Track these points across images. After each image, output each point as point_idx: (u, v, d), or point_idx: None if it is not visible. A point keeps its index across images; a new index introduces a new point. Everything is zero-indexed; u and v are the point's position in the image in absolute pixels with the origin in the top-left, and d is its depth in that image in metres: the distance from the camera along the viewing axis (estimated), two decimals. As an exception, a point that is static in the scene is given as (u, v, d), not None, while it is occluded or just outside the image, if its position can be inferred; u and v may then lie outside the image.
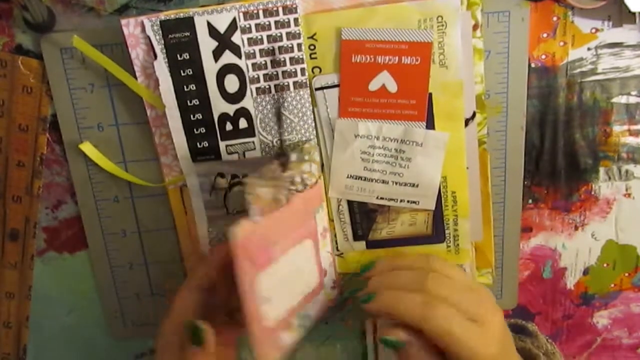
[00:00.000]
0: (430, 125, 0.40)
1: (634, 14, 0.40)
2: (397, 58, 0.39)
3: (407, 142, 0.40)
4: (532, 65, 0.42)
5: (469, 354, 0.34)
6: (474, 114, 0.41)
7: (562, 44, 0.41)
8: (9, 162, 0.44)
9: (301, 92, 0.40)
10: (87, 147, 0.43)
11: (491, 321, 0.35)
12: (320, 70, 0.40)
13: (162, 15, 0.38)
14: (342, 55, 0.39)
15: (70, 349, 0.49)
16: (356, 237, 0.43)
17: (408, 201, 0.42)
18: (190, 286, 0.38)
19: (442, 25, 0.38)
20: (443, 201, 0.42)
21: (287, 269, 0.37)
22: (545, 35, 0.41)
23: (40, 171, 0.44)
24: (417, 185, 0.41)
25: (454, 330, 0.33)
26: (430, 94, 0.39)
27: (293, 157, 0.39)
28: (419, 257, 0.39)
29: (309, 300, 0.40)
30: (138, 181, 0.43)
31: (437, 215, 0.42)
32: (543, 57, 0.42)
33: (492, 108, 0.42)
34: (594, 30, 0.41)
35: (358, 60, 0.39)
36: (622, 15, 0.40)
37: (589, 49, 0.41)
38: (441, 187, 0.41)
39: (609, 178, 0.44)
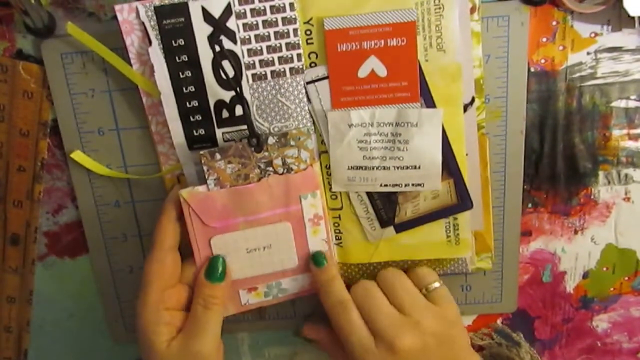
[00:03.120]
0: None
1: (633, 18, 0.40)
2: (382, 41, 0.39)
3: (402, 124, 0.40)
4: (532, 69, 0.42)
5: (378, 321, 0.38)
6: (472, 99, 0.40)
7: (561, 48, 0.41)
8: (9, 167, 0.44)
9: (297, 78, 0.40)
10: (78, 156, 0.43)
11: (423, 322, 0.39)
12: (317, 56, 0.40)
13: (157, 1, 0.38)
14: (327, 45, 0.39)
15: (71, 353, 0.50)
16: (383, 224, 0.43)
17: (413, 184, 0.41)
18: (163, 247, 0.39)
19: (440, 8, 0.38)
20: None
21: (253, 242, 0.41)
22: (544, 39, 0.41)
23: (41, 176, 0.44)
24: (419, 167, 0.41)
25: (367, 302, 0.39)
26: (426, 79, 0.39)
27: (271, 140, 0.39)
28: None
29: (285, 277, 0.43)
30: (135, 176, 0.43)
31: (459, 182, 0.41)
32: (542, 61, 0.42)
33: (491, 112, 0.42)
34: (593, 35, 0.41)
35: (344, 49, 0.39)
36: (622, 20, 0.41)
37: (588, 53, 0.41)
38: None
39: (609, 182, 0.44)
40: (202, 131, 0.41)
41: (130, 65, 0.40)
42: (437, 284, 0.41)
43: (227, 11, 0.38)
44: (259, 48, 0.39)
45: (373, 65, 0.39)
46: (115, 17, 0.39)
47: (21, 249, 0.46)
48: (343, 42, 0.39)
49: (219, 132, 0.41)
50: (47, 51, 0.41)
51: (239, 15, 0.39)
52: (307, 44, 0.40)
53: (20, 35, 0.41)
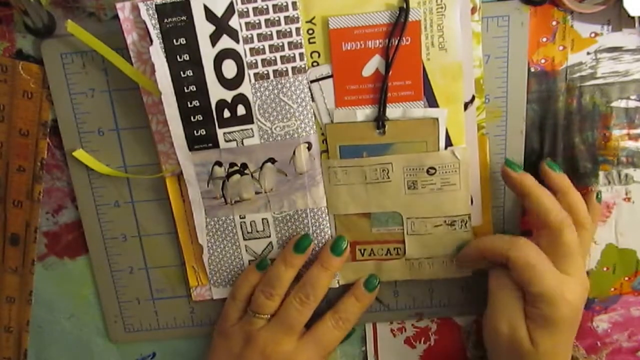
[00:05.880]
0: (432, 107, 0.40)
1: (633, 18, 0.40)
2: (387, 41, 0.39)
3: None
4: (532, 69, 0.42)
5: (546, 292, 0.36)
6: (473, 98, 0.41)
7: (561, 48, 0.41)
8: (9, 167, 0.44)
9: (300, 78, 0.40)
10: (80, 154, 0.43)
11: (578, 279, 0.38)
12: (319, 55, 0.40)
13: None
14: (331, 44, 0.39)
15: (70, 353, 0.49)
16: None
17: None
18: None
19: (442, 8, 0.38)
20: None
21: None
22: (544, 39, 0.41)
23: (41, 176, 0.44)
24: None
25: (536, 265, 0.36)
26: (428, 77, 0.40)
27: None
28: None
29: None
30: (135, 176, 0.43)
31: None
32: (542, 61, 0.42)
33: (491, 112, 0.42)
34: (593, 35, 0.41)
35: (348, 48, 0.39)
36: (622, 20, 0.41)
37: (588, 53, 0.41)
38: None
39: (609, 182, 0.44)
40: (202, 131, 0.41)
41: (131, 64, 0.40)
42: None
43: (230, 9, 0.38)
44: (261, 47, 0.39)
45: (377, 64, 0.39)
46: (115, 17, 0.39)
47: (21, 249, 0.46)
48: (348, 41, 0.39)
49: (220, 132, 0.41)
50: (47, 51, 0.41)
51: (242, 14, 0.39)
52: (309, 43, 0.40)
53: (20, 35, 0.41)
